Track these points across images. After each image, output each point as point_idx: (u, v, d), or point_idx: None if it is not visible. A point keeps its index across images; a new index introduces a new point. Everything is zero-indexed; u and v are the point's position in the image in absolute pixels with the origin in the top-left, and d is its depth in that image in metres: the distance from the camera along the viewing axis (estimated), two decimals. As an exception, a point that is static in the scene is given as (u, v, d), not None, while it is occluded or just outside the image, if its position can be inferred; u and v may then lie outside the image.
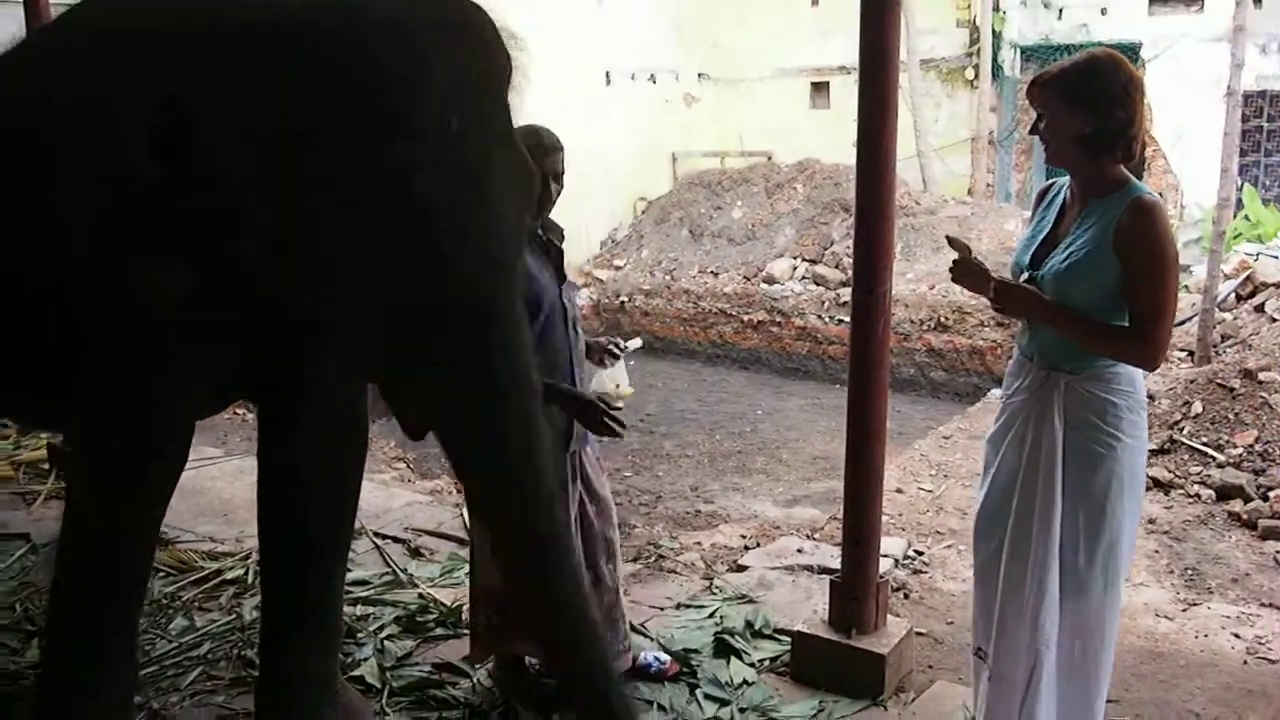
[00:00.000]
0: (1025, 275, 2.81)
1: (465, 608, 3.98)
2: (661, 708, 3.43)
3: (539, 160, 3.18)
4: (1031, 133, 2.89)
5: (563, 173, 3.27)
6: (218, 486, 5.27)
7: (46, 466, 5.46)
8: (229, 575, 4.34)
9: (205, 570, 4.38)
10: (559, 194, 3.29)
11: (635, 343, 3.77)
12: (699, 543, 4.95)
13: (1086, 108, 2.68)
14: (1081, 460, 2.71)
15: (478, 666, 3.61)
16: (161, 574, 4.34)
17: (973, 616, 3.03)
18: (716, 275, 11.04)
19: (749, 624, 3.87)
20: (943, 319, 9.61)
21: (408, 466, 6.47)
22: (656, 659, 3.62)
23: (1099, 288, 2.67)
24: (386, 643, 3.80)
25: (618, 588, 3.49)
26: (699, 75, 13.22)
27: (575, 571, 2.45)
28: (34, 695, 3.13)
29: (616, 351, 3.53)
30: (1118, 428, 2.70)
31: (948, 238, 2.99)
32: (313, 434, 3.01)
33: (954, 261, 2.88)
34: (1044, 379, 2.76)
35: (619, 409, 3.29)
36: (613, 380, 3.52)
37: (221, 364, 2.67)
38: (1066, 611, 2.78)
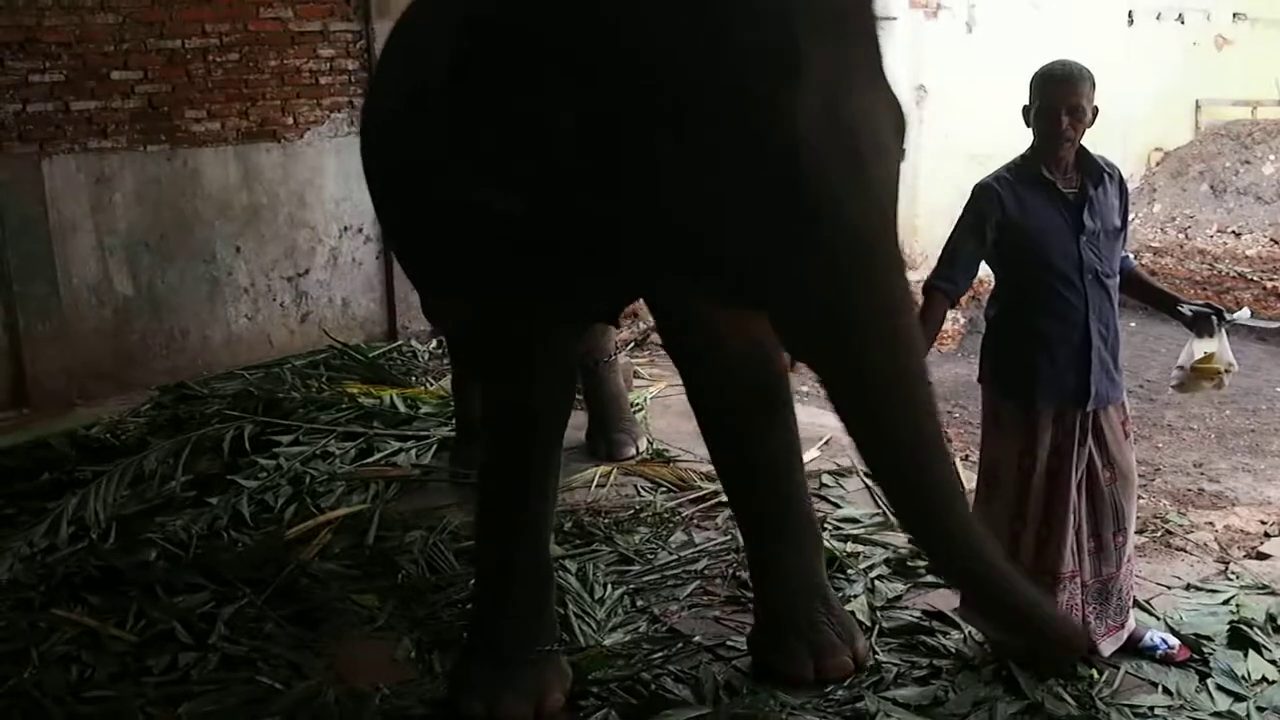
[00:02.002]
0: None
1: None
2: (1167, 691, 3.21)
3: (1050, 92, 3.03)
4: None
5: (1081, 106, 3.08)
6: (715, 411, 5.47)
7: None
8: (725, 498, 4.48)
9: (704, 490, 4.56)
10: (1079, 129, 3.10)
11: (1244, 313, 3.44)
12: (1210, 522, 4.58)
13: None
14: None
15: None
16: (663, 489, 4.57)
17: None
18: (1239, 236, 10.11)
19: (1271, 617, 3.53)
20: None
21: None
22: (1164, 640, 3.38)
23: None
24: (877, 583, 3.80)
25: (1121, 561, 3.28)
26: (1234, 15, 12.06)
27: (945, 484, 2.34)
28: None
29: (1214, 320, 3.24)
30: None
31: None
32: (722, 363, 3.14)
33: None
34: None
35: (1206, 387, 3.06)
36: (1204, 351, 3.21)
37: (566, 281, 2.79)
38: None
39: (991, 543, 2.42)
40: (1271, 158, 10.75)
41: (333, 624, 3.68)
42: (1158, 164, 11.59)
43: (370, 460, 4.95)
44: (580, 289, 2.85)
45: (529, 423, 3.09)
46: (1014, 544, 3.20)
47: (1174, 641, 3.38)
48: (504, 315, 2.97)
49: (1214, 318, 3.26)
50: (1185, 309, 3.30)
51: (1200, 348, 3.24)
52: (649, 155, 2.29)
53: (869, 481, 4.63)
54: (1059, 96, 3.06)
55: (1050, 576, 3.19)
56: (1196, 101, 12.06)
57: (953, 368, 9.05)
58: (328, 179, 6.61)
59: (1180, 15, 11.68)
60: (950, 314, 9.95)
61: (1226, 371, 3.25)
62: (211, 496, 4.51)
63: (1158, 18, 11.46)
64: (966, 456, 5.30)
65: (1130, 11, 11.11)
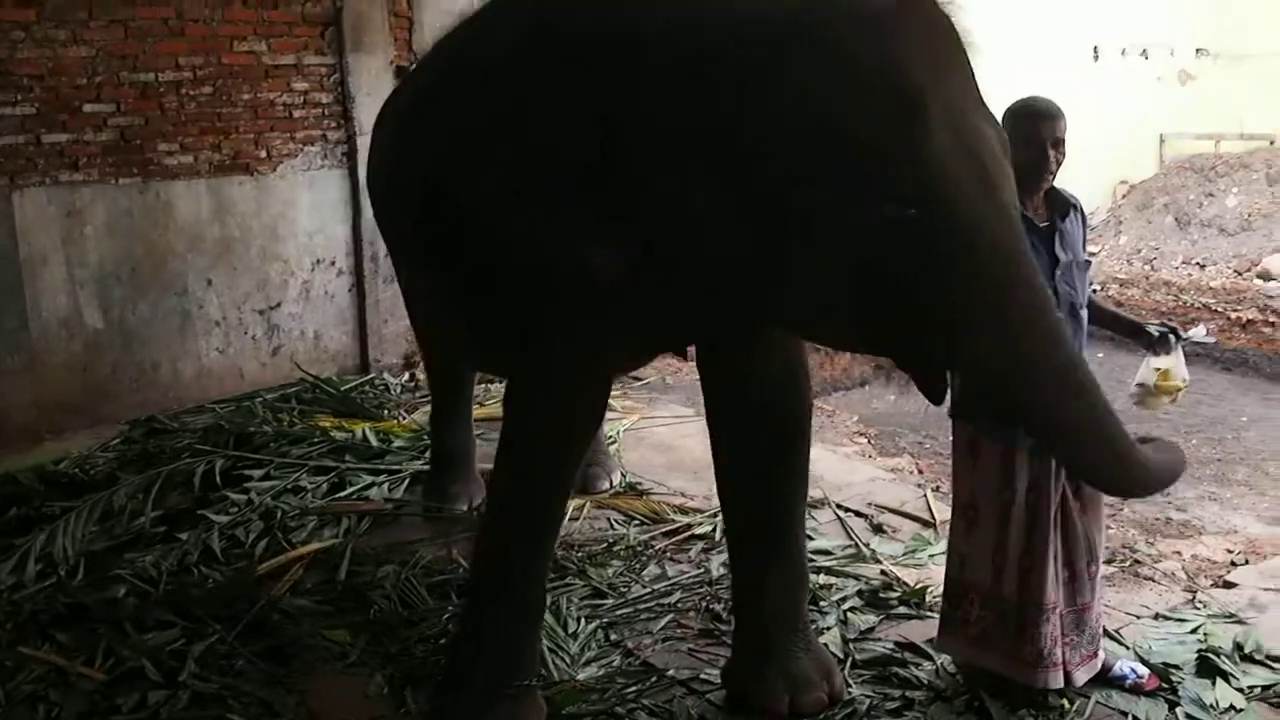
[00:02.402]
0: None
1: (929, 590, 3.93)
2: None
3: (1036, 127, 3.09)
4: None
5: (1063, 140, 3.14)
6: (689, 444, 5.48)
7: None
8: (698, 530, 4.52)
9: (676, 523, 4.58)
10: (1059, 163, 3.15)
11: (1199, 331, 3.57)
12: (1178, 552, 4.61)
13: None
14: None
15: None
16: (636, 522, 4.58)
17: None
18: (1203, 268, 10.25)
19: (1238, 646, 3.56)
20: None
21: (868, 441, 6.46)
22: (1134, 670, 3.41)
23: None
24: (849, 614, 3.81)
25: (1094, 591, 3.31)
26: (1197, 50, 12.26)
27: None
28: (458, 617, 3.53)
29: (1171, 339, 3.33)
30: None
31: None
32: (762, 393, 3.20)
33: None
34: None
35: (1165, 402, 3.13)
36: (1160, 368, 3.30)
37: (651, 331, 2.94)
38: None
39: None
40: (1234, 190, 10.92)
41: (304, 660, 3.65)
42: (1123, 196, 11.75)
43: (342, 495, 4.93)
44: (674, 333, 3.03)
45: (565, 443, 3.12)
46: (998, 577, 3.22)
47: (1143, 670, 3.41)
48: (587, 352, 3.00)
49: (1170, 336, 3.34)
50: (1151, 329, 3.37)
51: (1156, 365, 3.31)
52: (799, 219, 2.41)
53: (840, 514, 4.66)
54: (1045, 130, 3.11)
55: (1035, 608, 3.20)
56: (1161, 135, 12.24)
57: (920, 398, 9.11)
58: (301, 212, 6.61)
59: (1144, 51, 11.87)
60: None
61: (1181, 388, 3.34)
62: (182, 532, 4.48)
63: (1123, 53, 11.66)
64: (938, 487, 5.33)
65: (1096, 47, 11.29)
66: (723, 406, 3.30)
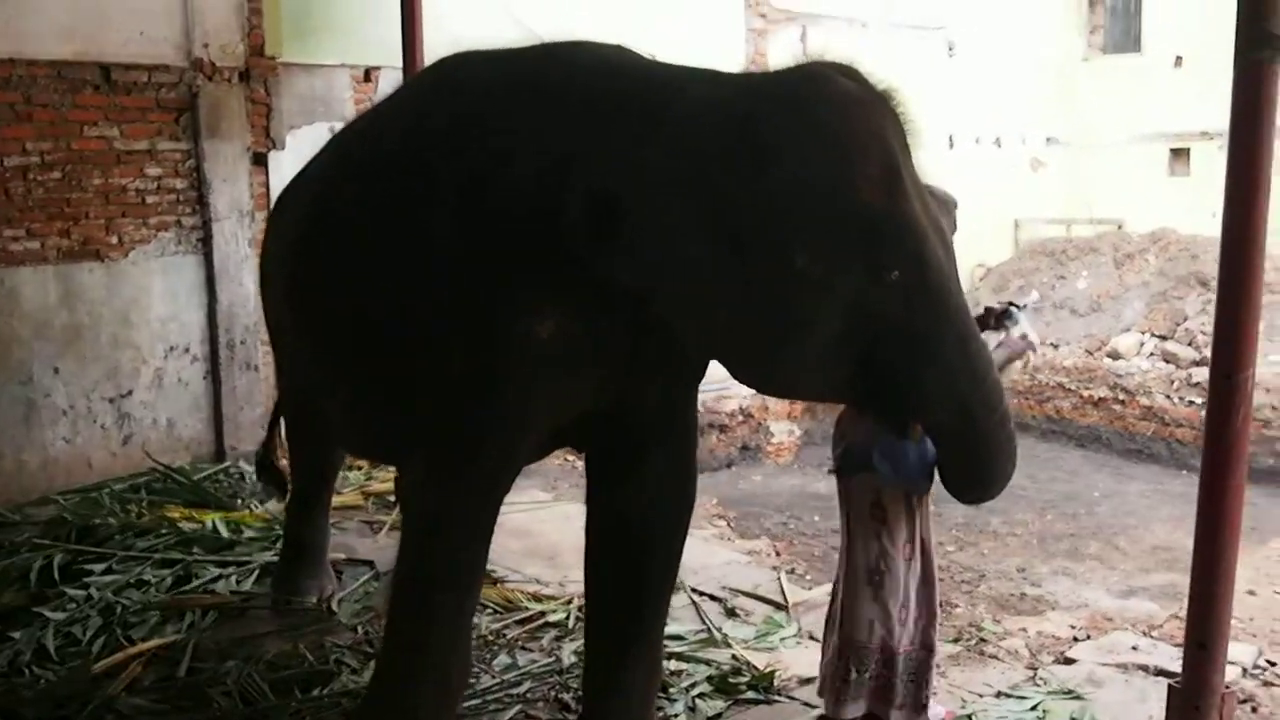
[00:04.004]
0: None
1: (777, 673, 3.95)
2: (976, 800, 3.28)
3: (949, 213, 3.21)
4: None
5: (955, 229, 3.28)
6: (545, 530, 5.46)
7: (393, 498, 5.79)
8: (551, 618, 4.47)
9: (530, 611, 4.53)
10: None
11: (1033, 296, 3.77)
12: (1024, 629, 4.71)
13: None
14: None
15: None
16: (489, 610, 4.52)
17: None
18: (1056, 347, 10.57)
19: (1074, 720, 3.65)
20: (1309, 406, 8.84)
21: (728, 525, 6.50)
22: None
23: None
24: (698, 701, 3.80)
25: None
26: (1047, 139, 12.75)
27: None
28: (368, 689, 3.39)
29: (1014, 309, 3.51)
30: None
31: None
32: (655, 481, 3.18)
33: None
34: None
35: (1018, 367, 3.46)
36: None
37: (571, 400, 2.90)
38: None
39: None
40: (1084, 273, 11.32)
41: (138, 763, 3.52)
42: (981, 279, 12.10)
43: (188, 588, 4.79)
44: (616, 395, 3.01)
45: (493, 498, 3.03)
46: (900, 632, 3.33)
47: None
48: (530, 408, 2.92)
49: (1011, 309, 3.53)
50: (992, 307, 3.55)
51: (997, 339, 3.47)
52: (795, 282, 2.56)
53: (695, 598, 4.67)
54: (951, 218, 3.21)
55: (927, 651, 3.38)
56: (1015, 220, 12.67)
57: (789, 480, 9.23)
58: (154, 298, 6.48)
59: (997, 139, 12.31)
60: (787, 426, 10.12)
61: (1031, 357, 3.59)
62: (14, 630, 4.30)
63: (976, 141, 12.06)
64: (793, 569, 5.39)
65: (950, 135, 11.67)
66: (608, 493, 3.25)
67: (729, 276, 2.57)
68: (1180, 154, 12.27)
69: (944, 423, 2.81)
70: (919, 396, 2.73)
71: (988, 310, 3.54)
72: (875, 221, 2.55)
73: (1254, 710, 3.89)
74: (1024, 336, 3.50)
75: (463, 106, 3.02)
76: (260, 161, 6.80)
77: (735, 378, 2.85)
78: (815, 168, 2.54)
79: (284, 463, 4.96)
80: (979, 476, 2.93)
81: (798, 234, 2.54)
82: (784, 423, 9.84)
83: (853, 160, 2.55)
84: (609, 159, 2.62)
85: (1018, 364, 3.59)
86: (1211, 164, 11.46)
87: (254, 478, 5.20)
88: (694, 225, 2.55)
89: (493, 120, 2.89)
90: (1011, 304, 3.56)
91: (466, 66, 3.17)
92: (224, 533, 5.30)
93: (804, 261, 2.53)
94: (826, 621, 3.53)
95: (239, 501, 5.96)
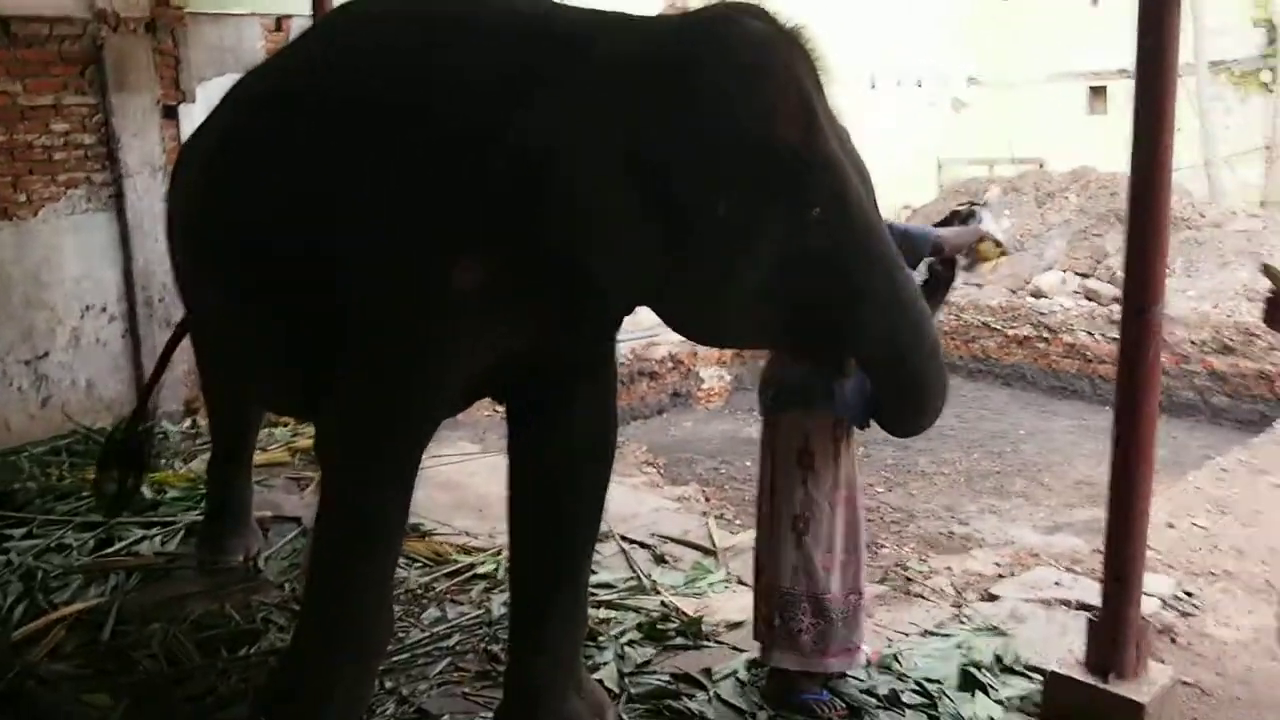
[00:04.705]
0: None
1: (704, 619, 3.98)
2: (900, 738, 3.34)
3: None
4: None
5: None
6: (474, 482, 5.43)
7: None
8: (480, 570, 4.47)
9: (459, 564, 4.52)
10: None
11: (993, 192, 3.87)
12: (949, 567, 4.78)
13: None
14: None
15: (715, 678, 3.60)
16: (417, 564, 4.51)
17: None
18: (980, 287, 10.68)
19: (998, 658, 3.71)
20: (1227, 341, 9.00)
21: (658, 472, 6.51)
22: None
23: None
24: (627, 648, 3.83)
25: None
26: (968, 80, 12.83)
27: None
28: (287, 648, 3.36)
29: (976, 208, 3.59)
30: None
31: (1264, 267, 2.84)
32: (576, 429, 3.15)
33: (1268, 301, 2.72)
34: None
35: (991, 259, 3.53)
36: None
37: (492, 351, 2.84)
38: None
39: None
40: (1007, 212, 11.41)
41: (61, 729, 3.48)
42: (906, 220, 12.17)
43: (110, 550, 4.71)
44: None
45: (414, 452, 2.97)
46: (826, 579, 3.35)
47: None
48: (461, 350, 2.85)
49: (975, 209, 3.62)
50: (957, 209, 3.65)
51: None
52: (714, 223, 2.55)
53: (624, 545, 4.68)
54: None
55: (857, 595, 3.43)
56: (938, 161, 12.76)
57: (720, 425, 9.27)
58: (66, 257, 6.32)
59: (919, 80, 12.37)
60: (717, 371, 10.14)
61: (1001, 249, 3.66)
62: (-70, 599, 4.22)
63: (898, 83, 12.12)
64: (722, 515, 5.41)
65: (873, 76, 11.70)
66: (529, 443, 3.23)
67: (654, 225, 2.55)
68: (1099, 92, 12.43)
69: (876, 356, 2.84)
70: (850, 332, 2.76)
71: (953, 213, 3.59)
72: (794, 160, 2.55)
73: (1173, 641, 3.99)
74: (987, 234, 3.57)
75: (379, 40, 2.96)
76: (171, 115, 6.62)
77: (668, 325, 2.85)
78: (732, 110, 2.53)
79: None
80: (913, 408, 2.97)
81: (719, 179, 2.53)
82: (714, 368, 9.86)
83: (768, 100, 2.55)
84: (530, 107, 2.58)
85: (988, 265, 3.66)
86: (1130, 102, 11.61)
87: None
88: (617, 174, 2.53)
89: (411, 54, 2.84)
90: (973, 203, 3.62)
91: (378, 2, 3.11)
92: (147, 494, 5.21)
93: (727, 207, 2.53)
94: (754, 567, 3.56)
95: (162, 461, 5.86)
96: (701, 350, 9.64)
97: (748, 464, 7.96)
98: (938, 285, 3.41)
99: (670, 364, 9.54)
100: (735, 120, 2.53)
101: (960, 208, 3.65)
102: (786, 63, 2.60)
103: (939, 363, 2.92)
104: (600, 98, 2.56)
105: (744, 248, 2.57)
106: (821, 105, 2.65)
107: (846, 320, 2.73)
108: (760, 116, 2.54)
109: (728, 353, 9.85)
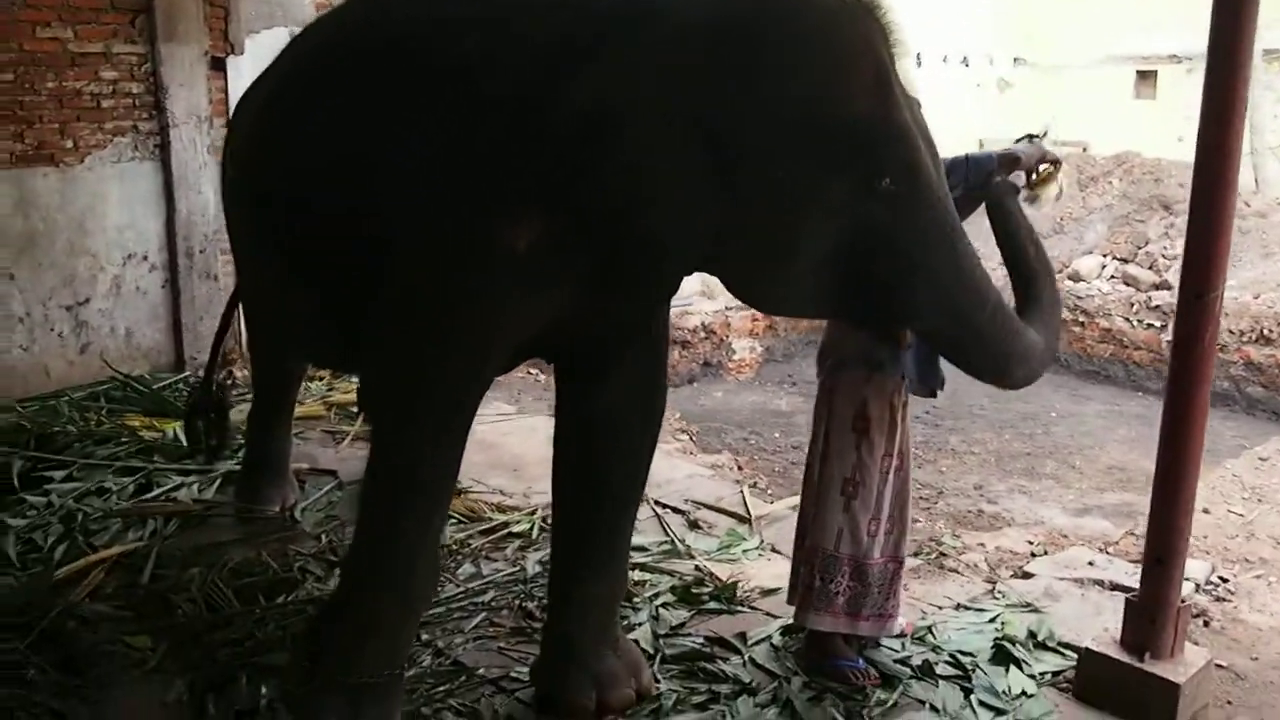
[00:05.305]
0: None
1: (740, 585, 4.00)
2: (934, 709, 3.34)
3: None
4: None
5: None
6: (509, 442, 5.46)
7: (356, 409, 5.76)
8: (515, 528, 4.49)
9: (494, 521, 4.55)
10: None
11: (1049, 121, 3.86)
12: (982, 544, 4.77)
13: None
14: None
15: (750, 642, 3.62)
16: (453, 520, 4.53)
17: None
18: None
19: (1032, 634, 3.71)
20: (1265, 331, 8.94)
21: (690, 439, 6.52)
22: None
23: None
24: (661, 610, 3.84)
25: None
26: (1015, 60, 12.72)
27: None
28: (331, 595, 3.40)
29: (1033, 138, 3.59)
30: None
31: None
32: (625, 391, 3.17)
33: None
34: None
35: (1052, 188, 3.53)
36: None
37: (543, 313, 2.83)
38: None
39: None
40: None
41: (101, 669, 3.50)
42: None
43: (149, 496, 4.76)
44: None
45: (460, 411, 2.94)
46: (870, 544, 3.38)
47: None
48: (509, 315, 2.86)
49: (1028, 138, 3.62)
50: (1015, 145, 3.57)
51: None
52: (786, 192, 2.55)
53: (658, 510, 4.69)
54: None
55: (897, 563, 3.45)
56: (980, 141, 12.63)
57: (750, 396, 9.28)
58: (110, 205, 6.37)
59: (965, 58, 12.26)
60: (749, 343, 10.14)
61: (1057, 175, 3.63)
62: (-27, 537, 4.27)
63: (944, 60, 12.02)
64: (755, 483, 5.42)
65: (918, 54, 11.60)
66: (577, 402, 3.25)
67: (718, 189, 2.53)
68: (1147, 76, 12.26)
69: (938, 328, 2.82)
70: (911, 305, 2.73)
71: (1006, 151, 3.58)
72: (868, 131, 2.53)
73: (1206, 624, 3.98)
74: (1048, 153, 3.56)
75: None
76: (219, 66, 6.64)
77: (730, 291, 2.84)
78: (806, 79, 2.51)
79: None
80: (988, 369, 2.94)
81: (789, 148, 2.51)
82: (746, 339, 9.86)
83: (844, 70, 2.53)
84: (596, 67, 2.55)
85: (1051, 188, 3.61)
86: (1178, 87, 11.48)
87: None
88: (683, 139, 2.51)
89: (475, 10, 2.84)
90: (1030, 135, 3.62)
91: None
92: (185, 441, 5.25)
93: (795, 175, 2.52)
94: (797, 531, 3.56)
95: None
96: (734, 321, 9.64)
97: (777, 435, 7.98)
98: (1003, 192, 3.38)
99: (703, 333, 9.55)
100: (805, 88, 2.51)
101: (1013, 149, 3.61)
102: (861, 33, 2.58)
103: (1001, 323, 2.82)
104: (669, 60, 2.52)
105: (807, 215, 2.56)
106: (896, 77, 2.63)
107: (905, 293, 2.70)
108: (833, 85, 2.52)
109: (760, 324, 9.84)
